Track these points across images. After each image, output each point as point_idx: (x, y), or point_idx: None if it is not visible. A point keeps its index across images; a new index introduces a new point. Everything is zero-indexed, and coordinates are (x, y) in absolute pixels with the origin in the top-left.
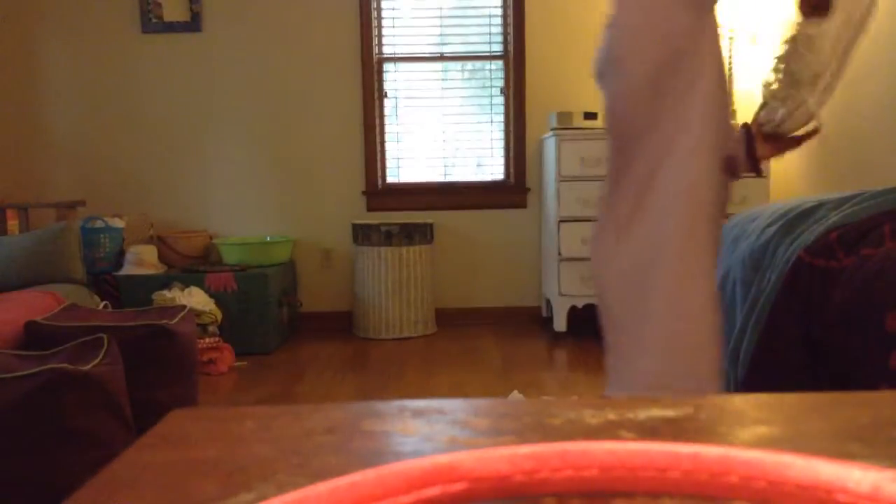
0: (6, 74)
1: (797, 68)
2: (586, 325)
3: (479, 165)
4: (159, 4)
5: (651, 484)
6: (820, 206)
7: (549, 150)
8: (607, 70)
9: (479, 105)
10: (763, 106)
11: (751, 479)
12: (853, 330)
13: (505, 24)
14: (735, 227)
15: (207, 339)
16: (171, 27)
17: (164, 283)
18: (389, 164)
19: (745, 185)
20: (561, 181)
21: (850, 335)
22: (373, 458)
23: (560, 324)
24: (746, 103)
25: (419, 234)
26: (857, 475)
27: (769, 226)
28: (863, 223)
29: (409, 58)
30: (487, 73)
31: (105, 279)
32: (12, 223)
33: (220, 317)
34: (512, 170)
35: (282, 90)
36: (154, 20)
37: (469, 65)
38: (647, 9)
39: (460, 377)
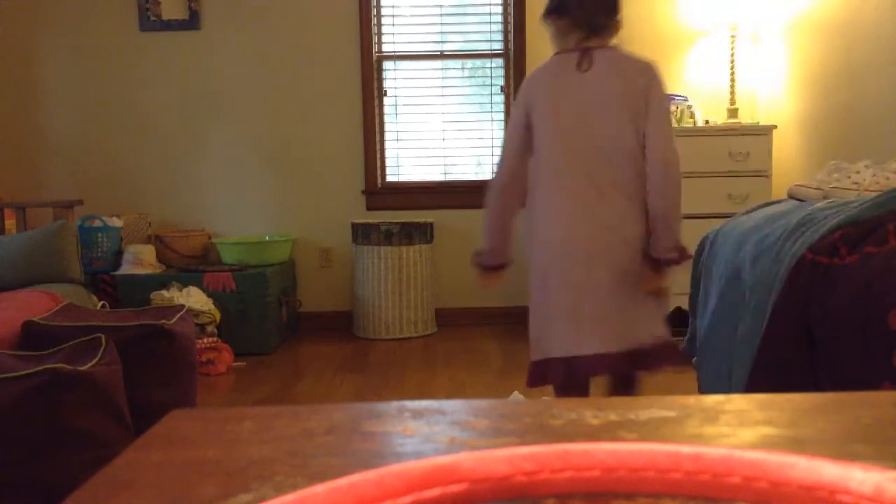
0: (3, 73)
1: None
2: None
3: (479, 164)
4: (157, 2)
5: (653, 485)
6: (825, 206)
7: None
8: None
9: (479, 103)
10: None
11: (753, 480)
12: (856, 327)
13: (505, 22)
14: (742, 225)
15: (206, 340)
16: (170, 25)
17: (162, 282)
18: (389, 162)
19: (748, 184)
20: None
21: (853, 333)
22: (373, 459)
23: None
24: (748, 102)
25: (419, 234)
26: (859, 476)
27: (776, 224)
28: (867, 222)
29: (409, 56)
30: (488, 72)
31: (103, 279)
32: (10, 222)
33: (218, 317)
34: None
35: (281, 88)
36: (152, 18)
37: (469, 63)
38: None
39: (460, 377)
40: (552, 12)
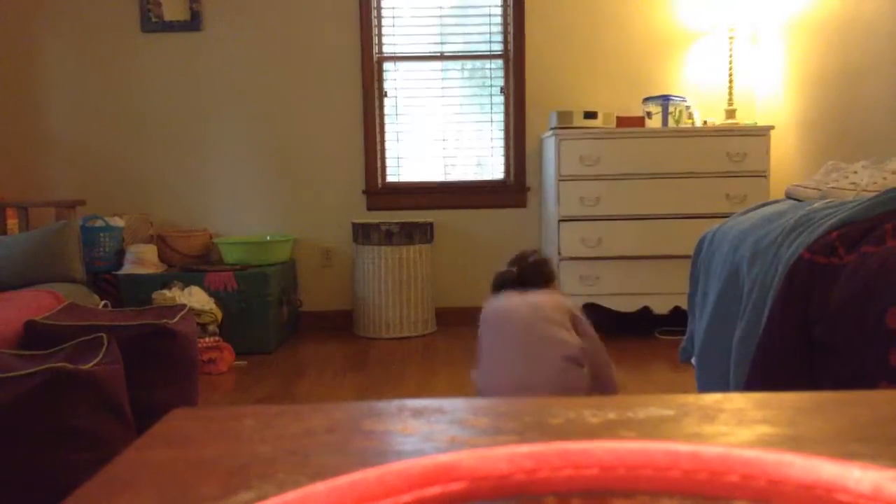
0: (6, 74)
1: None
2: None
3: (479, 165)
4: (159, 3)
5: (651, 483)
6: (823, 206)
7: (549, 150)
8: None
9: (478, 104)
10: None
11: (751, 479)
12: (854, 327)
13: (505, 23)
14: (740, 225)
15: (207, 339)
16: (171, 26)
17: (163, 282)
18: (389, 163)
19: (746, 184)
20: (561, 180)
21: (850, 332)
22: (373, 457)
23: None
24: (746, 102)
25: (419, 234)
26: (857, 474)
27: (774, 224)
28: (865, 222)
29: (409, 57)
30: (487, 73)
31: (105, 278)
32: (12, 222)
33: (220, 316)
34: (512, 169)
35: (282, 89)
36: (154, 19)
37: (469, 64)
38: None
39: (460, 377)
40: (504, 287)
